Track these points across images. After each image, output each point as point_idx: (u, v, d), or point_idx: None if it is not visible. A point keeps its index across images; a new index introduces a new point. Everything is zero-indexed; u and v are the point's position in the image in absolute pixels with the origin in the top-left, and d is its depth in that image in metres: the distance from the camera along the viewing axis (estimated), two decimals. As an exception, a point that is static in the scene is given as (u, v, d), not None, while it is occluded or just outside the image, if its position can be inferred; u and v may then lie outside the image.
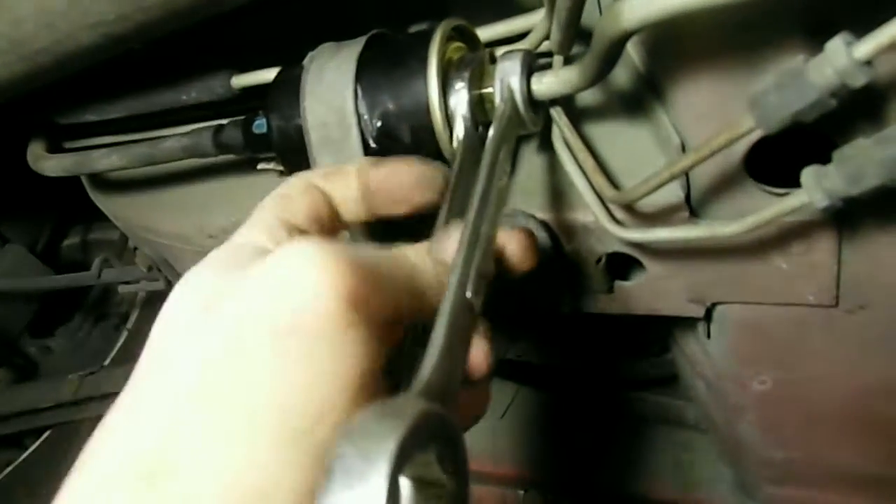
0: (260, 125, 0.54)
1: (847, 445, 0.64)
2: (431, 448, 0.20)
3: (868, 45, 0.31)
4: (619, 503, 0.90)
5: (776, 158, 0.43)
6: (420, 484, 0.18)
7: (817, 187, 0.36)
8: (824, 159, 0.37)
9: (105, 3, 0.39)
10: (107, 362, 1.05)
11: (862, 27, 0.32)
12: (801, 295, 0.50)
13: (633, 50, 0.46)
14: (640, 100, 0.49)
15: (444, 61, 0.46)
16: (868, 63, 0.31)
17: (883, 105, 0.38)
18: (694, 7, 0.31)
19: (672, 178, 0.40)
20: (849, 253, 0.47)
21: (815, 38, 0.35)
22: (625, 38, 0.35)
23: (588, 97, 0.53)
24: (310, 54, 0.51)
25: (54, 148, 0.69)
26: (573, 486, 0.95)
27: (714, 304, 0.55)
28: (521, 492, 1.00)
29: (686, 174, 0.46)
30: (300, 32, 0.56)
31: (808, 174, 0.37)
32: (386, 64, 0.47)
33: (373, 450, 0.17)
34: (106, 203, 0.75)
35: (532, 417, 0.99)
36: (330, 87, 0.48)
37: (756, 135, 0.38)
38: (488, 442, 1.00)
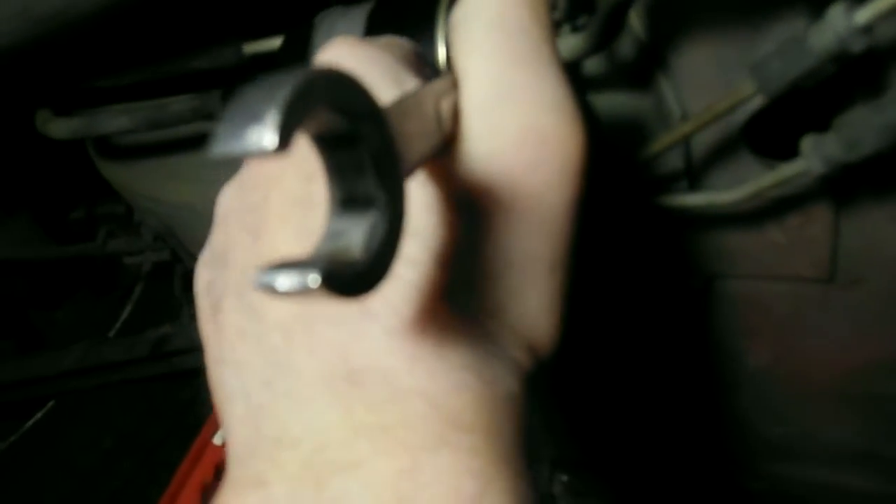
0: (269, 85, 0.55)
1: (843, 422, 0.64)
2: (338, 103, 0.17)
3: (868, 12, 0.31)
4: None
5: (775, 127, 0.44)
6: (328, 139, 0.17)
7: (815, 154, 0.37)
8: (822, 127, 0.37)
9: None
10: (112, 333, 1.06)
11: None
12: (798, 268, 0.51)
13: (636, 20, 0.47)
14: (643, 70, 0.50)
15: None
16: (868, 29, 0.32)
17: (881, 72, 0.39)
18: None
19: (673, 143, 0.40)
20: (845, 227, 0.47)
21: (816, 3, 0.35)
22: (626, 5, 0.35)
23: (592, 67, 0.53)
24: (319, 15, 0.52)
25: (62, 111, 0.70)
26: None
27: (713, 278, 0.56)
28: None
29: (687, 144, 0.47)
30: (311, 3, 0.57)
31: (808, 142, 0.38)
32: (395, 22, 0.48)
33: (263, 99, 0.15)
34: (112, 172, 0.75)
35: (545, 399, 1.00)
36: None
37: (757, 102, 0.39)
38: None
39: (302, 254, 0.17)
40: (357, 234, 0.18)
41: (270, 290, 0.16)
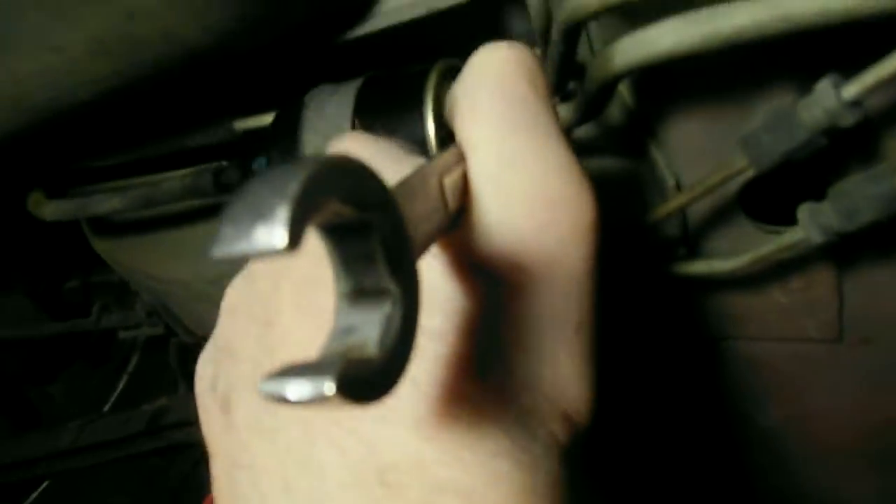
0: (260, 163, 0.55)
1: (860, 480, 0.62)
2: (348, 195, 0.16)
3: (856, 87, 0.31)
4: None
5: (771, 191, 0.43)
6: (337, 226, 0.16)
7: (813, 224, 0.36)
8: (819, 192, 0.37)
9: (102, 62, 0.40)
10: (107, 408, 1.04)
11: (849, 65, 0.32)
12: (804, 330, 0.49)
13: (625, 89, 0.47)
14: (633, 138, 0.50)
15: (441, 98, 0.47)
16: (857, 103, 0.31)
17: (875, 140, 0.38)
18: (680, 52, 0.31)
19: (668, 214, 0.40)
20: (850, 287, 0.46)
21: (804, 77, 0.35)
22: (615, 80, 0.35)
23: (582, 132, 0.53)
24: (309, 92, 0.52)
25: (55, 194, 0.70)
26: None
27: (719, 340, 0.54)
28: None
29: (682, 212, 0.46)
30: (300, 78, 0.57)
31: (804, 211, 0.37)
32: (384, 100, 0.48)
33: (273, 193, 0.14)
34: (105, 248, 0.75)
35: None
36: (329, 121, 0.49)
37: (749, 174, 0.38)
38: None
39: (312, 355, 0.16)
40: (371, 329, 0.17)
41: (281, 399, 0.14)
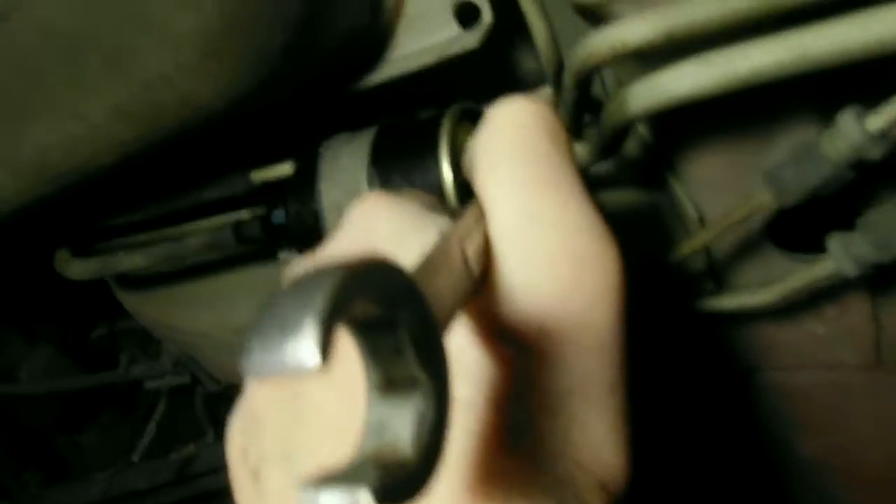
0: (278, 216, 0.55)
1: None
2: (375, 295, 0.16)
3: (880, 119, 0.30)
4: None
5: (796, 215, 0.42)
6: (365, 328, 0.16)
7: (846, 256, 0.35)
8: (846, 214, 0.36)
9: (123, 128, 0.41)
10: (136, 458, 1.04)
11: (869, 92, 0.32)
12: (840, 358, 0.48)
13: (641, 125, 0.46)
14: (651, 171, 0.49)
15: (456, 143, 0.47)
16: (883, 136, 0.31)
17: (903, 168, 0.38)
18: (696, 96, 0.31)
19: (693, 251, 0.39)
20: (885, 313, 0.45)
21: (826, 106, 0.35)
22: (630, 123, 0.35)
23: (601, 167, 0.53)
24: (325, 142, 0.52)
25: (79, 251, 0.71)
26: None
27: (752, 371, 0.53)
28: None
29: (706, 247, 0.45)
30: (314, 126, 0.58)
31: (835, 242, 0.36)
32: (400, 148, 0.48)
33: (306, 296, 0.13)
34: (130, 301, 0.76)
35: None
36: (344, 171, 0.49)
37: (774, 208, 0.38)
38: None
39: (344, 460, 0.15)
40: (403, 425, 0.16)
41: None
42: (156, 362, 0.86)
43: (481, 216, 0.26)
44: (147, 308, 0.74)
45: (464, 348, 0.24)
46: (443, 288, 0.21)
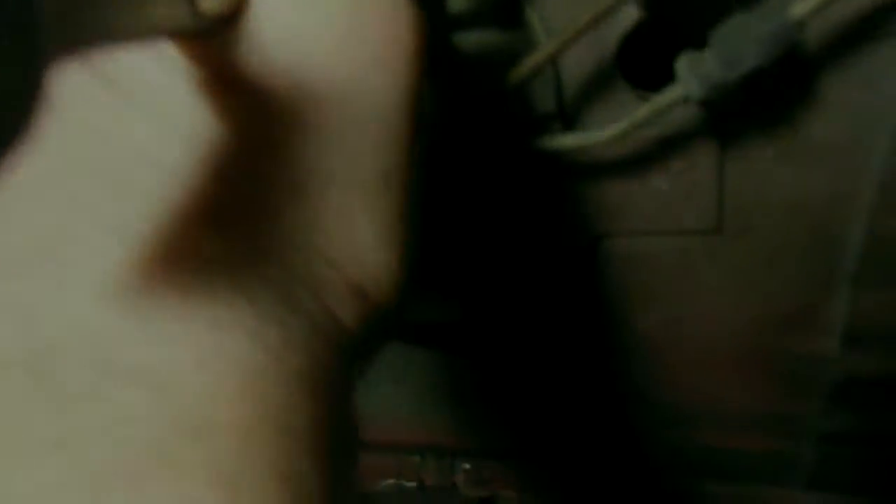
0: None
1: (740, 384, 0.62)
2: None
3: None
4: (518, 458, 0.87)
5: (654, 57, 0.38)
6: None
7: (691, 75, 0.32)
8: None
9: None
10: None
11: None
12: (683, 220, 0.46)
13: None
14: (511, 5, 0.44)
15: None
16: None
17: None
18: None
19: (538, 65, 0.34)
20: (731, 170, 0.43)
21: None
22: None
23: (458, 4, 0.46)
24: None
25: None
26: (475, 449, 0.91)
27: (598, 237, 0.51)
28: (418, 457, 0.95)
29: (558, 82, 0.41)
30: None
31: (683, 61, 0.32)
32: None
33: None
34: None
35: (441, 383, 0.94)
36: None
37: (630, 16, 0.33)
38: (388, 410, 0.94)
39: None
40: None
41: None
42: None
43: None
44: None
45: (179, 99, 0.18)
46: None
